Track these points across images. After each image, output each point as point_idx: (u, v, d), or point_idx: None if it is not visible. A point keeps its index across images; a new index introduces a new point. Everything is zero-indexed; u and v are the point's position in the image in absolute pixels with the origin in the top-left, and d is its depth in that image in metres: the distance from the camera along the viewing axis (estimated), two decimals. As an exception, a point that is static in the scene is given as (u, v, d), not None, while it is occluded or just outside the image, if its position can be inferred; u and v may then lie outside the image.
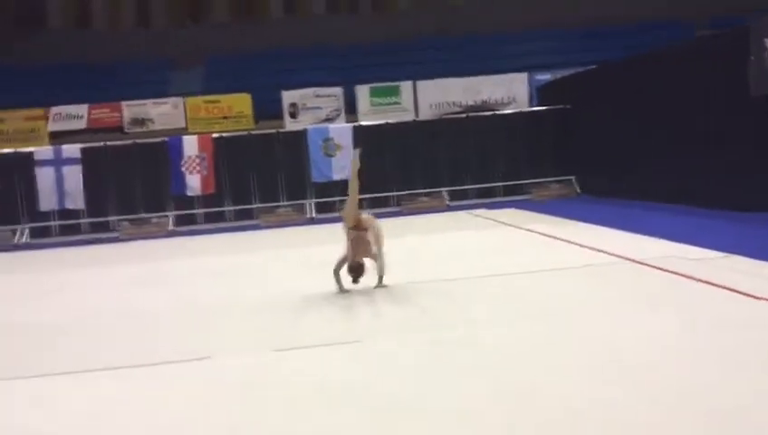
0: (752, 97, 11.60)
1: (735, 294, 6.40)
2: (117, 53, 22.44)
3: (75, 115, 19.19)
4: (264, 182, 19.11)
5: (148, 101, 19.49)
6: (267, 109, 19.48)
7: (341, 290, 7.94)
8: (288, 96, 19.59)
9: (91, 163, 18.46)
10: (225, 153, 18.94)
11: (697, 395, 4.21)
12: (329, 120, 19.55)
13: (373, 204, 18.04)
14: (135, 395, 4.99)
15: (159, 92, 20.28)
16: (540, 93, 20.27)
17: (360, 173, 8.47)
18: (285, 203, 19.09)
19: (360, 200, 8.98)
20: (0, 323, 8.04)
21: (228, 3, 24.78)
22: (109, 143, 18.79)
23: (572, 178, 19.13)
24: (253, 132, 19.28)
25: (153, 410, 4.70)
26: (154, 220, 18.48)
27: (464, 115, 19.70)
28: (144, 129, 19.37)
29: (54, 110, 19.10)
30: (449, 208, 18.34)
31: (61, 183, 18.30)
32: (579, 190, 18.90)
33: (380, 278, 8.07)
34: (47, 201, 18.33)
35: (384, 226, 8.56)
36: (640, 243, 9.72)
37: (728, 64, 12.24)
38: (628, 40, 20.86)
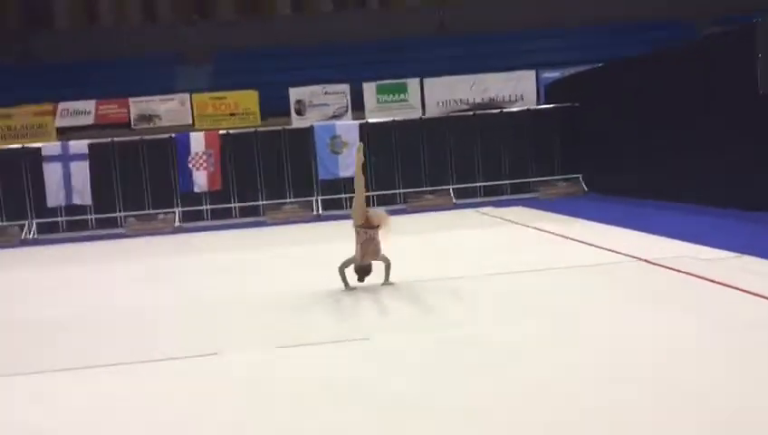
0: (760, 94, 11.58)
1: (747, 294, 6.35)
2: (124, 49, 22.51)
3: (83, 111, 19.24)
4: (270, 179, 19.11)
5: (156, 98, 19.52)
6: (274, 106, 19.46)
7: (347, 287, 7.93)
8: (295, 93, 19.57)
9: (99, 159, 18.50)
10: (232, 150, 18.95)
11: (706, 395, 4.17)
12: (336, 117, 19.53)
13: (379, 201, 18.04)
14: (135, 392, 4.97)
15: (166, 89, 20.32)
16: (547, 91, 20.20)
17: (364, 167, 8.47)
18: (292, 200, 19.07)
19: (367, 198, 8.94)
20: (0, 319, 8.03)
21: (235, 0, 24.85)
22: (116, 139, 18.81)
23: (580, 176, 19.08)
24: (259, 129, 19.25)
25: (154, 406, 4.68)
26: (161, 216, 18.48)
27: (471, 113, 19.64)
28: (151, 125, 19.40)
29: (62, 105, 19.15)
30: (456, 206, 18.30)
31: (68, 179, 18.34)
32: (586, 189, 18.84)
33: (387, 276, 8.05)
34: (54, 197, 18.37)
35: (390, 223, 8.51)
36: (649, 242, 9.68)
37: (736, 62, 12.20)
38: (637, 38, 20.78)
